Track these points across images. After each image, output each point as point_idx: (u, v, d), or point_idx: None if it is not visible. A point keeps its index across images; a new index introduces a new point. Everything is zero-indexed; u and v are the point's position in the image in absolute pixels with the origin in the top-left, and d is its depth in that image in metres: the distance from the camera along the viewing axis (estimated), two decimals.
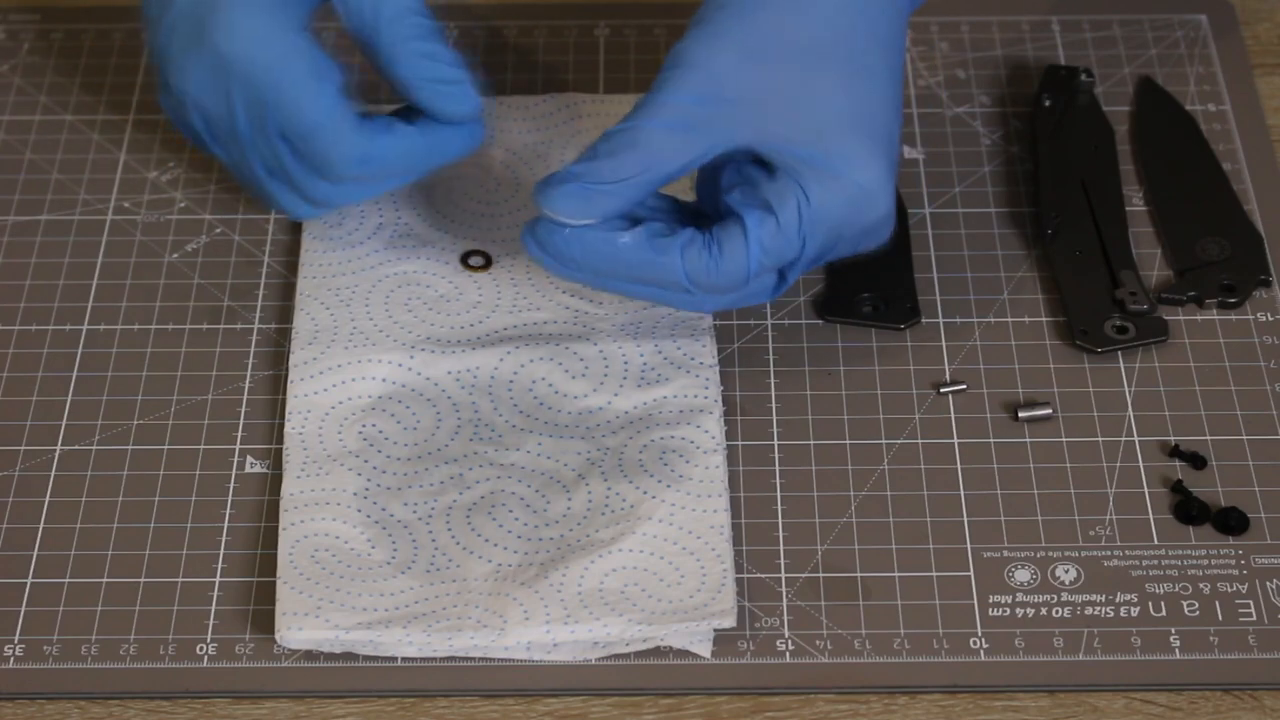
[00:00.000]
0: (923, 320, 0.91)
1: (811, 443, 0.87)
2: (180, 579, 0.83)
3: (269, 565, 0.83)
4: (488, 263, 0.92)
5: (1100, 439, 0.87)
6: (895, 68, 0.84)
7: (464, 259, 0.93)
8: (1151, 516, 0.84)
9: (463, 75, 0.86)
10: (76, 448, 0.87)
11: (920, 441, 0.87)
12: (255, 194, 0.91)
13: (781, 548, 0.83)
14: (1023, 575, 0.82)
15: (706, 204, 0.86)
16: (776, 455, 0.87)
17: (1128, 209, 0.95)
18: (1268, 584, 0.82)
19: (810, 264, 0.84)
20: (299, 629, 0.80)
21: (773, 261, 0.82)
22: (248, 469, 0.86)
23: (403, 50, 0.85)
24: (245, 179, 0.90)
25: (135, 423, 0.88)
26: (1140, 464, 0.86)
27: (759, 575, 0.83)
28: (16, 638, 0.81)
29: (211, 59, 0.85)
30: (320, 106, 0.85)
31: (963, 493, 0.85)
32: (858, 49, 0.83)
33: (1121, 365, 0.90)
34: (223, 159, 0.90)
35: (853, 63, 0.83)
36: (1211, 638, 0.80)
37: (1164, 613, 0.81)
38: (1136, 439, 0.87)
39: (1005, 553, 0.83)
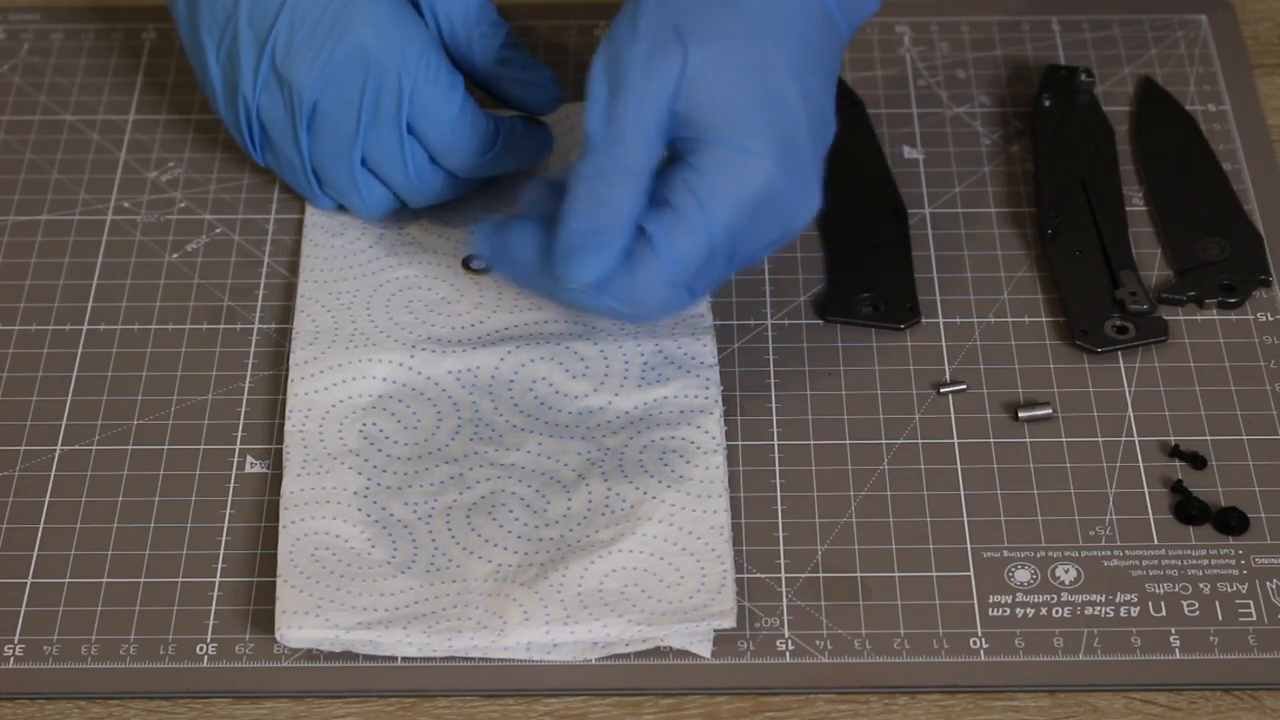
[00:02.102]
0: (923, 320, 0.91)
1: (811, 443, 0.87)
2: (180, 579, 0.83)
3: (269, 565, 0.83)
4: (489, 265, 0.92)
5: (1100, 439, 0.87)
6: (823, 62, 0.83)
7: (465, 262, 0.93)
8: (1151, 516, 0.84)
9: (545, 69, 0.93)
10: (76, 448, 0.87)
11: (920, 441, 0.87)
12: (320, 191, 0.93)
13: (781, 548, 0.83)
14: (1023, 575, 0.82)
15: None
16: (776, 455, 0.87)
17: (1128, 209, 0.95)
18: (1268, 584, 0.82)
19: (732, 255, 0.82)
20: (299, 628, 0.80)
21: (684, 250, 0.80)
22: (248, 469, 0.86)
23: (489, 46, 0.91)
24: (307, 177, 0.92)
25: (135, 423, 0.88)
26: (1140, 464, 0.86)
27: (759, 575, 0.83)
28: (16, 638, 0.81)
29: (350, 51, 0.88)
30: (457, 98, 0.89)
31: (963, 493, 0.85)
32: (786, 33, 0.81)
33: (1121, 365, 0.90)
34: (288, 160, 0.92)
35: (759, 42, 0.81)
36: (1211, 638, 0.80)
37: (1164, 613, 0.81)
38: (1136, 439, 0.87)
39: (1005, 553, 0.83)
